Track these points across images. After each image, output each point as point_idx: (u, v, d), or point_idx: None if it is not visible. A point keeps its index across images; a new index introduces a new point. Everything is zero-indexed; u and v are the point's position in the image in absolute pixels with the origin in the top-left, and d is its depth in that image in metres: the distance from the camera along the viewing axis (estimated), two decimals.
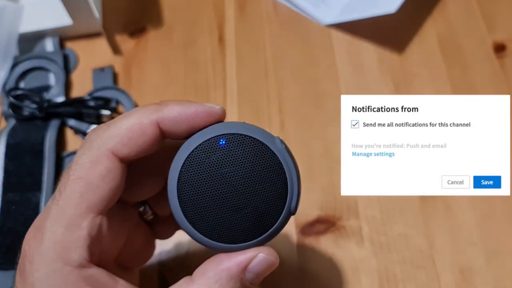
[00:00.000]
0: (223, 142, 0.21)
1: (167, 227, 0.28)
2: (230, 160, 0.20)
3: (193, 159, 0.21)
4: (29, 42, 0.41)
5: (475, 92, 0.38)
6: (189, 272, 0.22)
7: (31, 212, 0.34)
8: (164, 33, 0.42)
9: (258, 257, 0.21)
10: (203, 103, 0.22)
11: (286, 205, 0.21)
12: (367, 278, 0.32)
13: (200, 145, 0.21)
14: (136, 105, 0.39)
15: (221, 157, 0.20)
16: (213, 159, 0.20)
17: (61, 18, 0.41)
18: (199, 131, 0.22)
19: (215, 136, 0.21)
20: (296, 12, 0.43)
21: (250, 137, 0.21)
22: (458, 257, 0.32)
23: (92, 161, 0.21)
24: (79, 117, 0.37)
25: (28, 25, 0.41)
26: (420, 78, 0.39)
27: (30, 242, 0.20)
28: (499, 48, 0.39)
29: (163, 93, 0.40)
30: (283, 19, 0.42)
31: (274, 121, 0.38)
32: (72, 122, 0.37)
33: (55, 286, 0.19)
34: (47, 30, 0.41)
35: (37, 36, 0.41)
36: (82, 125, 0.37)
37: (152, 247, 0.28)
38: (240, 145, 0.21)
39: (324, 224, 0.33)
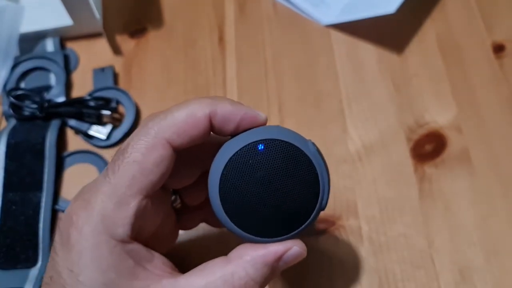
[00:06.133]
0: (262, 147, 0.22)
1: (192, 218, 0.30)
2: (268, 164, 0.22)
3: (234, 162, 0.22)
4: (29, 42, 0.41)
5: (474, 92, 0.38)
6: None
7: (31, 212, 0.34)
8: (164, 33, 0.43)
9: (293, 249, 0.23)
10: (250, 107, 0.24)
11: (318, 202, 0.23)
12: (367, 277, 0.32)
13: (241, 149, 0.22)
14: (136, 105, 0.39)
15: (260, 161, 0.22)
16: (252, 163, 0.22)
17: (62, 18, 0.41)
18: (240, 133, 0.23)
19: (254, 142, 0.22)
20: (296, 12, 0.43)
21: (286, 142, 0.22)
22: (458, 257, 0.32)
23: (148, 148, 0.22)
24: (80, 117, 0.37)
25: (29, 25, 0.41)
26: (419, 78, 0.39)
27: (79, 212, 0.22)
28: (498, 49, 0.39)
29: (164, 93, 0.40)
30: (283, 19, 0.42)
31: (274, 121, 0.38)
32: (72, 122, 0.37)
33: (101, 256, 0.21)
34: (47, 30, 0.41)
35: (38, 36, 0.41)
36: (82, 125, 0.37)
37: (175, 235, 0.29)
38: (277, 150, 0.22)
39: (324, 223, 0.33)
